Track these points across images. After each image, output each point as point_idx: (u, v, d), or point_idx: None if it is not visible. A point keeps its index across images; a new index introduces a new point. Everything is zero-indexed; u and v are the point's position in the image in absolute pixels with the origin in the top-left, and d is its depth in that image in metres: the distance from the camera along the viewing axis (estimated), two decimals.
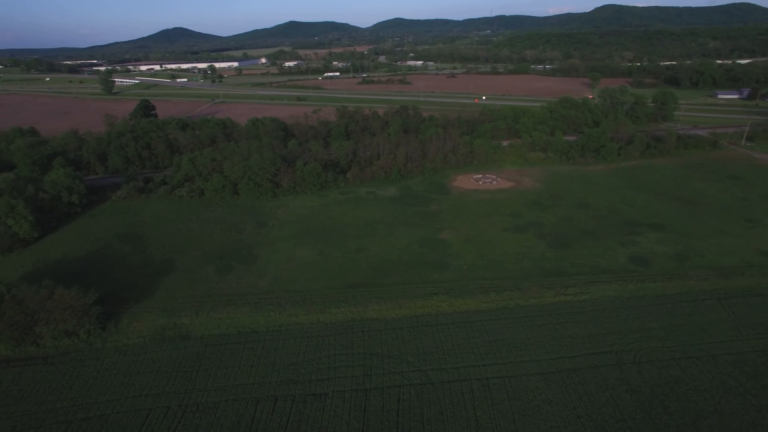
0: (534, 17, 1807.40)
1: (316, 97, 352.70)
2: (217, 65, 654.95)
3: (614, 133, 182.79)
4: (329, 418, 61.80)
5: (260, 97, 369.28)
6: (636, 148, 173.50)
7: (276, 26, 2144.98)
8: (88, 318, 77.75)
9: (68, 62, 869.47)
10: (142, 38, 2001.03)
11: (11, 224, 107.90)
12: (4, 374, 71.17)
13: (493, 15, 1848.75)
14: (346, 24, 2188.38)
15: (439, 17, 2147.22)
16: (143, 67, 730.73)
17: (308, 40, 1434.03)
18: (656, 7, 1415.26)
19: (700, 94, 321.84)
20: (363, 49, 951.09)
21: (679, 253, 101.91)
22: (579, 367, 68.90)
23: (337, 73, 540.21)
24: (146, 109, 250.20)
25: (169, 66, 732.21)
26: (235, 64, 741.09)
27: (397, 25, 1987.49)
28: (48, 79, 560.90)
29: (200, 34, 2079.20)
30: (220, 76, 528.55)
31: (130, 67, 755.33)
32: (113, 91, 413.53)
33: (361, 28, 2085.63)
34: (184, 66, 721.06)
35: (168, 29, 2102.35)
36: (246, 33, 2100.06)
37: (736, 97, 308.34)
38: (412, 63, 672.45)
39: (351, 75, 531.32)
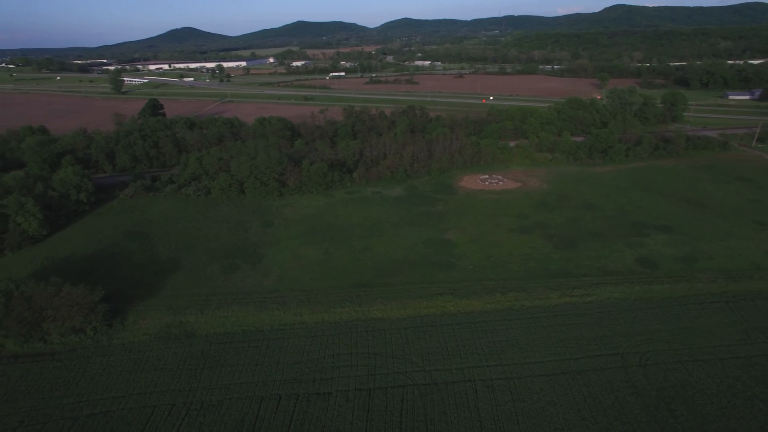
0: (543, 17, 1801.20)
1: (323, 96, 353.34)
2: (226, 65, 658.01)
3: (622, 134, 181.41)
4: (332, 418, 61.86)
5: (268, 96, 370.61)
6: (644, 149, 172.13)
7: (284, 26, 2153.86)
8: (95, 315, 78.36)
9: (78, 62, 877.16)
10: (152, 38, 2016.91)
11: (21, 222, 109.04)
12: (12, 370, 71.97)
13: (502, 15, 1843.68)
14: (354, 24, 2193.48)
15: (447, 17, 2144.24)
16: (152, 67, 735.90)
17: (316, 39, 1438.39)
18: (666, 7, 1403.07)
19: (710, 95, 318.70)
20: (371, 49, 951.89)
21: (687, 255, 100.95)
22: (584, 369, 68.44)
23: (342, 73, 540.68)
24: (154, 108, 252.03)
25: (177, 65, 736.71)
26: (243, 63, 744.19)
27: (405, 25, 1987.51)
28: (59, 78, 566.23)
29: (209, 33, 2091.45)
30: (228, 76, 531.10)
31: (140, 66, 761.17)
32: (122, 90, 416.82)
33: (369, 28, 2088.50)
34: (193, 65, 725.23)
35: (177, 29, 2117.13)
36: (254, 33, 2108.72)
37: (747, 98, 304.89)
38: (419, 63, 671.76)
39: (359, 75, 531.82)
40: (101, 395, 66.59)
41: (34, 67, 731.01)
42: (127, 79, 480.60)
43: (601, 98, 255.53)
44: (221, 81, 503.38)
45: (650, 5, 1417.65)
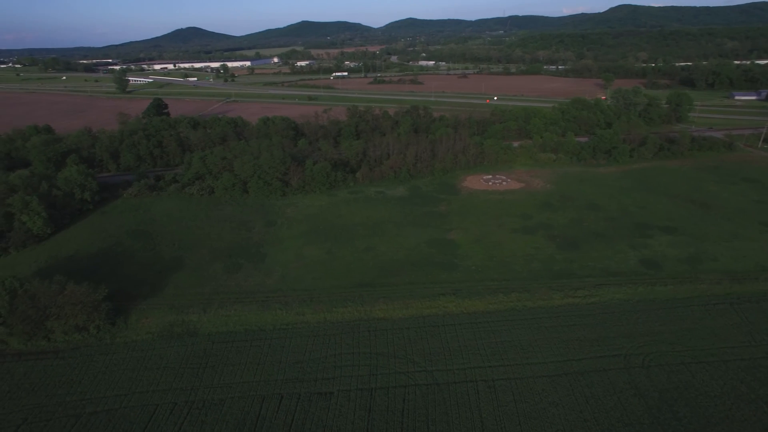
0: (547, 17, 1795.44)
1: (327, 96, 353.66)
2: (230, 64, 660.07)
3: (626, 135, 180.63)
4: (334, 417, 61.85)
5: (272, 96, 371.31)
6: (649, 149, 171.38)
7: (288, 26, 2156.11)
8: (98, 313, 78.68)
9: (84, 61, 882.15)
10: (157, 38, 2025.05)
11: (25, 220, 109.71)
12: (16, 367, 72.39)
13: (506, 15, 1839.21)
14: (359, 24, 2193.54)
15: (451, 17, 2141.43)
16: (157, 66, 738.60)
17: (321, 39, 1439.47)
18: (672, 7, 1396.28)
19: (716, 96, 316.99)
20: (375, 48, 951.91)
21: (692, 256, 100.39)
22: (586, 370, 68.15)
23: (345, 73, 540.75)
24: (159, 107, 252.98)
25: (182, 65, 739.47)
26: (248, 63, 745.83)
27: (410, 25, 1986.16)
28: (64, 78, 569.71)
29: (214, 33, 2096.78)
30: (233, 75, 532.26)
31: (145, 66, 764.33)
32: (127, 89, 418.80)
33: (374, 28, 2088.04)
34: (197, 65, 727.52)
35: (182, 29, 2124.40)
36: (259, 33, 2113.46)
37: (754, 98, 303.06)
38: (423, 63, 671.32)
39: (362, 75, 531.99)
40: (104, 393, 66.87)
41: (40, 66, 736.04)
42: (132, 79, 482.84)
43: (605, 99, 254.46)
44: (225, 81, 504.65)
45: (656, 5, 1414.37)
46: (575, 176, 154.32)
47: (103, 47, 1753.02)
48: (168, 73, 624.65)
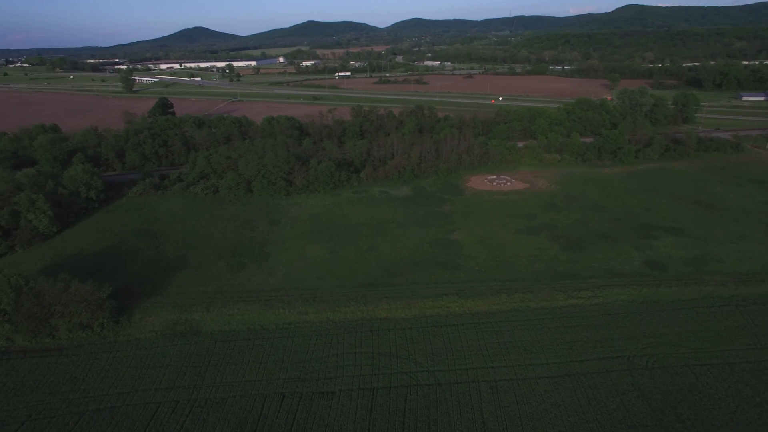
0: (554, 17, 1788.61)
1: (332, 96, 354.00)
2: (236, 64, 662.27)
3: (632, 135, 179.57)
4: (335, 417, 61.89)
5: (277, 96, 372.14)
6: (654, 150, 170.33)
7: (294, 26, 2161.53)
8: (102, 311, 79.14)
9: (91, 61, 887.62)
10: (163, 37, 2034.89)
11: (31, 218, 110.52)
12: (21, 364, 72.95)
13: (512, 15, 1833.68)
14: (364, 24, 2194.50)
15: (457, 17, 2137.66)
16: (163, 66, 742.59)
17: (326, 39, 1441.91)
18: (680, 7, 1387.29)
19: (723, 96, 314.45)
20: (380, 48, 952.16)
21: (697, 257, 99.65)
22: (589, 372, 67.84)
23: (348, 73, 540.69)
24: (164, 107, 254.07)
25: (188, 65, 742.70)
26: (253, 63, 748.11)
27: (415, 25, 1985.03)
28: (72, 77, 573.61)
29: (220, 33, 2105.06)
30: (238, 75, 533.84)
31: (151, 66, 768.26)
32: (133, 89, 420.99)
33: (379, 28, 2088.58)
34: (203, 65, 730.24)
35: (188, 29, 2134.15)
36: (265, 32, 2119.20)
37: (762, 99, 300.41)
38: (429, 63, 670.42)
39: (367, 75, 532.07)
40: (107, 391, 67.26)
41: (48, 66, 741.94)
42: (139, 79, 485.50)
43: (611, 99, 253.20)
44: (231, 80, 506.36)
45: (663, 5, 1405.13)
46: (580, 177, 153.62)
47: (110, 47, 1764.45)
48: (174, 72, 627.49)
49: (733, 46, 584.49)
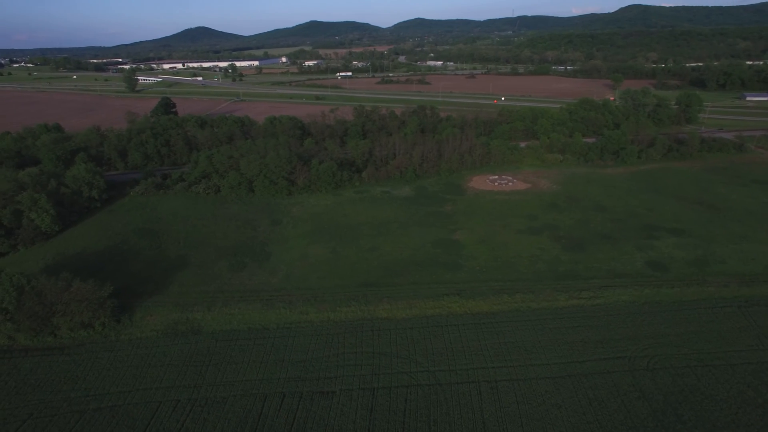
0: (557, 18, 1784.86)
1: (334, 96, 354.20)
2: (238, 64, 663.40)
3: (635, 136, 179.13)
4: (336, 416, 61.88)
5: (279, 95, 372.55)
6: (657, 150, 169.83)
7: (297, 26, 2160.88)
8: (103, 310, 79.33)
9: (95, 61, 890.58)
10: (166, 37, 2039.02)
11: (34, 217, 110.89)
12: (23, 363, 73.21)
13: (515, 15, 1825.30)
14: (367, 24, 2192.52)
15: (460, 17, 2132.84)
16: (166, 66, 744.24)
17: (329, 39, 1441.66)
18: (684, 7, 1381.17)
19: (727, 96, 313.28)
20: (383, 48, 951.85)
21: (699, 258, 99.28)
22: (590, 372, 67.65)
23: (349, 73, 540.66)
24: (167, 106, 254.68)
25: (191, 64, 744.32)
26: (256, 63, 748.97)
27: (418, 25, 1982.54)
28: (75, 77, 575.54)
29: (223, 33, 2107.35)
30: (241, 75, 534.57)
31: (154, 65, 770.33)
32: (136, 89, 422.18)
33: (382, 28, 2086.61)
34: (206, 65, 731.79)
35: (191, 28, 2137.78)
36: (267, 32, 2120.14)
37: (766, 99, 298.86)
38: (431, 63, 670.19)
39: (370, 75, 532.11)
40: (108, 390, 67.41)
41: (52, 66, 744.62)
42: (141, 78, 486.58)
43: (614, 99, 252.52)
44: (233, 80, 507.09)
45: (667, 5, 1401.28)
46: (582, 177, 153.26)
47: (114, 47, 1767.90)
48: (177, 72, 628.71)
49: (738, 46, 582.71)
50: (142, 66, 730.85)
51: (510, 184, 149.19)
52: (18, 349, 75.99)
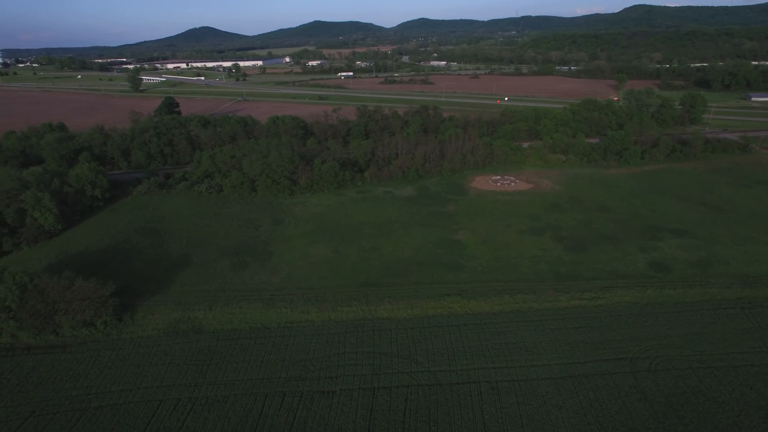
0: (561, 18, 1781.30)
1: (337, 96, 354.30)
2: (242, 64, 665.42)
3: (638, 136, 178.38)
4: (336, 416, 61.89)
5: (282, 95, 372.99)
6: (661, 151, 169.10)
7: (301, 26, 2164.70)
8: (105, 309, 79.61)
9: (99, 60, 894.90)
10: (170, 37, 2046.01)
11: (37, 216, 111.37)
12: (25, 361, 73.54)
13: (519, 15, 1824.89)
14: (371, 24, 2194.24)
15: (464, 17, 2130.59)
16: (170, 66, 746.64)
17: (333, 39, 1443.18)
18: (689, 7, 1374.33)
19: (732, 97, 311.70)
20: (387, 49, 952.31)
21: (702, 259, 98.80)
22: (591, 373, 67.43)
23: (351, 73, 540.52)
24: (170, 106, 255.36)
25: (195, 64, 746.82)
26: (260, 62, 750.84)
27: (422, 25, 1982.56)
28: (80, 76, 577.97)
29: (226, 33, 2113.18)
30: (244, 75, 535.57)
31: (158, 65, 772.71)
32: (140, 88, 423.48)
33: (386, 28, 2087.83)
34: (210, 64, 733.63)
35: (195, 28, 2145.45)
36: (271, 32, 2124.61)
37: None
38: (435, 63, 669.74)
39: (373, 75, 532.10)
40: (109, 388, 67.64)
41: (57, 66, 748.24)
42: (145, 78, 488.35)
43: (617, 100, 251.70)
44: (237, 80, 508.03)
45: (672, 5, 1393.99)
46: (585, 178, 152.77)
47: (118, 47, 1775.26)
48: (181, 72, 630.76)
49: (743, 46, 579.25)
50: (146, 66, 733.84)
51: (512, 184, 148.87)
52: (20, 347, 76.36)
